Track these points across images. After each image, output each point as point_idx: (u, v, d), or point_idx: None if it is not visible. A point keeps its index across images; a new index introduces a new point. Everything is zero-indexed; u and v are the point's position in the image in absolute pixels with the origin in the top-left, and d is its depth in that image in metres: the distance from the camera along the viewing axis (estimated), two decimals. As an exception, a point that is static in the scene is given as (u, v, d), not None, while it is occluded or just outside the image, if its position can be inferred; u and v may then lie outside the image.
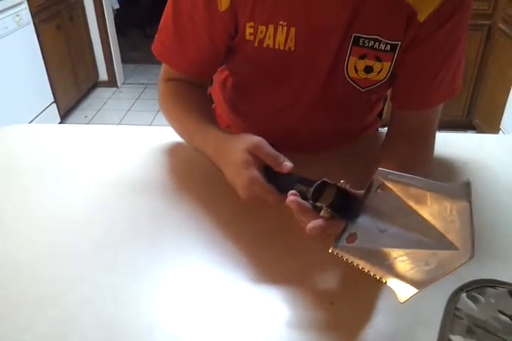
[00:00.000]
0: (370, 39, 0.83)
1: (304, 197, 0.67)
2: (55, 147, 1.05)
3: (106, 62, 4.08)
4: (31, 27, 3.04)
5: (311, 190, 0.65)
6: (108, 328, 0.63)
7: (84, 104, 3.92)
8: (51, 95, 3.31)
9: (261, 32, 0.85)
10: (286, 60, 0.88)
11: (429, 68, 0.87)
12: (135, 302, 0.67)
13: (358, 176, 0.97)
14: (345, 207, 0.65)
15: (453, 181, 0.89)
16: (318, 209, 0.65)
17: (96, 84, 4.16)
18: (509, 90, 2.79)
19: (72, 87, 3.67)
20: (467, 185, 0.55)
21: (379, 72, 0.87)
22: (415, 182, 0.60)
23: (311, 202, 0.66)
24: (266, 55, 0.87)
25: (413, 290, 0.52)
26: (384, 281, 0.56)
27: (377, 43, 0.84)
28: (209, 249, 0.77)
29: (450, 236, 0.54)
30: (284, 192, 0.70)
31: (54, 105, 3.36)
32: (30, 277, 0.71)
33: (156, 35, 0.95)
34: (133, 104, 3.94)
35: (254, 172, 0.73)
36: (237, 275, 0.72)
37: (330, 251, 0.62)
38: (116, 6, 4.35)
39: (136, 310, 0.66)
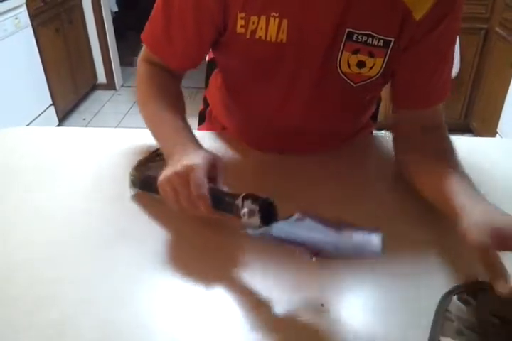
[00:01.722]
0: (363, 34, 0.84)
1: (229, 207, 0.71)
2: (54, 149, 1.06)
3: (104, 65, 4.08)
4: (30, 30, 3.03)
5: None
6: (107, 328, 0.64)
7: (83, 107, 3.92)
8: (49, 98, 3.31)
9: (253, 23, 0.84)
10: (278, 53, 0.88)
11: (426, 66, 0.89)
12: (134, 302, 0.68)
13: (351, 178, 0.99)
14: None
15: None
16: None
17: (94, 86, 4.16)
18: (506, 94, 2.80)
19: (71, 89, 3.67)
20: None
21: (371, 68, 0.88)
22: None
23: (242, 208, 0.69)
24: (257, 47, 0.87)
25: None
26: None
27: (370, 38, 0.84)
28: (206, 251, 0.78)
29: None
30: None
31: (52, 108, 3.35)
32: (30, 277, 0.72)
33: (146, 23, 0.94)
34: (131, 107, 3.93)
35: (202, 172, 0.73)
36: (232, 277, 0.73)
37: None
38: (115, 9, 4.35)
39: (134, 310, 0.67)
